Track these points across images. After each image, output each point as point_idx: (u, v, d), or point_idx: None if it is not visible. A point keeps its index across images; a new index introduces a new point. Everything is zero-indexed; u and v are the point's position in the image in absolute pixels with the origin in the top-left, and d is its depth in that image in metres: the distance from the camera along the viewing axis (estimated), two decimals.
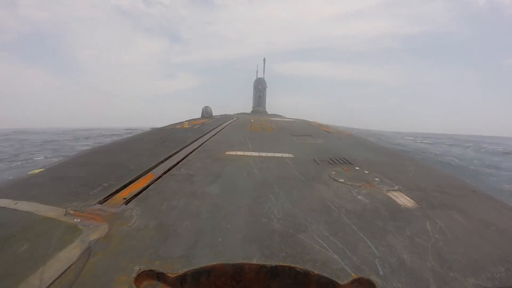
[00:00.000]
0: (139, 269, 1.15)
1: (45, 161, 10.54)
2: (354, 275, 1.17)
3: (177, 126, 6.54)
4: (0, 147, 15.32)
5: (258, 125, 7.25)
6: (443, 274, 1.22)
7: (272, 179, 2.44)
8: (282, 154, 3.54)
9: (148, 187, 2.16)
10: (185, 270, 1.16)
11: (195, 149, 3.73)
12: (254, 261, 1.24)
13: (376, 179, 2.57)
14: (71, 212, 1.66)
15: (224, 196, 2.03)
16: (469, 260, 1.34)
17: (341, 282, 1.13)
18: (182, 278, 1.14)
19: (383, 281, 1.15)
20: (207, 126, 6.69)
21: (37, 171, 2.74)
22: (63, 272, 1.11)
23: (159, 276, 1.15)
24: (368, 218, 1.73)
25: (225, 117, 10.10)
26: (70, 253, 1.24)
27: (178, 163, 2.94)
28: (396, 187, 2.37)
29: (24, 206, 1.73)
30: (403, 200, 2.09)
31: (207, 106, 10.79)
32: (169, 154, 3.27)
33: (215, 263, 1.22)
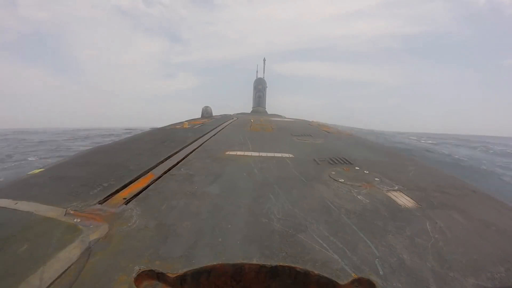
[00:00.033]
0: (139, 269, 1.15)
1: (39, 162, 10.38)
2: (354, 275, 1.17)
3: (177, 126, 6.54)
4: None
5: (258, 125, 7.25)
6: (443, 274, 1.22)
7: (272, 179, 2.44)
8: (282, 154, 3.54)
9: (148, 187, 2.16)
10: (185, 270, 1.16)
11: (195, 149, 3.73)
12: (254, 261, 1.23)
13: (376, 179, 2.57)
14: (71, 212, 1.66)
15: (224, 196, 2.03)
16: (469, 260, 1.34)
17: (341, 282, 1.13)
18: (182, 278, 1.14)
19: (383, 281, 1.15)
20: (207, 126, 6.69)
21: (37, 171, 2.74)
22: (63, 272, 1.11)
23: (159, 276, 1.15)
24: (368, 218, 1.73)
25: (225, 117, 10.11)
26: (70, 253, 1.24)
27: (178, 163, 2.94)
28: (396, 187, 2.37)
29: (24, 206, 1.73)
30: (403, 200, 2.09)
31: (207, 106, 10.80)
32: (169, 154, 3.27)
33: (215, 263, 1.22)
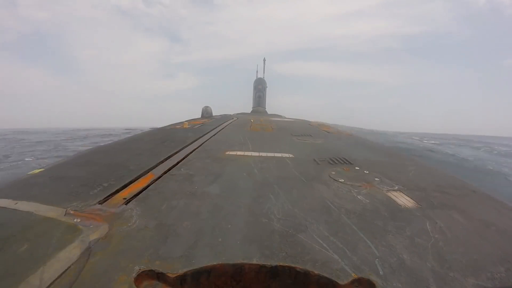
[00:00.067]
0: (139, 269, 1.15)
1: (35, 162, 10.27)
2: (354, 275, 1.17)
3: (177, 126, 6.54)
4: None
5: (258, 125, 7.25)
6: (443, 274, 1.22)
7: (272, 179, 2.44)
8: (282, 154, 3.54)
9: (148, 187, 2.16)
10: (185, 270, 1.16)
11: (195, 149, 3.73)
12: (254, 261, 1.23)
13: (376, 179, 2.57)
14: (71, 212, 1.66)
15: (224, 196, 2.03)
16: (469, 260, 1.34)
17: (341, 282, 1.13)
18: (182, 278, 1.14)
19: (383, 281, 1.15)
20: (207, 126, 6.69)
21: (37, 171, 2.74)
22: (63, 272, 1.11)
23: (159, 276, 1.15)
24: (368, 218, 1.73)
25: (225, 117, 10.10)
26: (70, 253, 1.24)
27: (178, 163, 2.94)
28: (396, 187, 2.37)
29: (24, 206, 1.73)
30: (403, 200, 2.09)
31: (207, 106, 10.79)
32: (169, 154, 3.27)
33: (215, 263, 1.22)
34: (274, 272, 1.21)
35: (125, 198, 1.91)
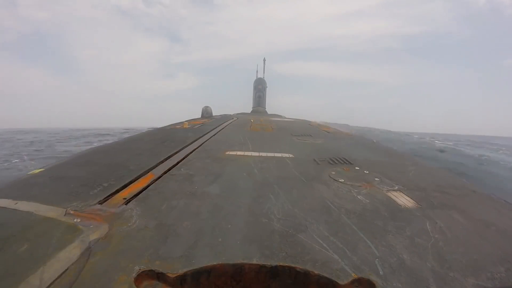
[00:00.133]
0: (139, 269, 1.15)
1: (22, 164, 10.08)
2: (354, 275, 1.17)
3: (177, 126, 6.54)
4: None
5: (258, 125, 7.25)
6: (443, 274, 1.22)
7: (272, 179, 2.44)
8: (282, 154, 3.54)
9: (148, 187, 2.16)
10: (185, 270, 1.16)
11: (195, 149, 3.73)
12: (254, 261, 1.23)
13: (376, 179, 2.57)
14: (71, 212, 1.66)
15: (224, 196, 2.03)
16: (469, 260, 1.34)
17: (341, 282, 1.13)
18: (182, 278, 1.14)
19: (383, 281, 1.15)
20: (207, 126, 6.69)
21: (37, 171, 2.74)
22: (63, 272, 1.11)
23: (159, 276, 1.15)
24: (368, 218, 1.73)
25: (225, 117, 10.11)
26: (70, 253, 1.24)
27: (178, 163, 2.94)
28: (396, 187, 2.37)
29: (24, 206, 1.73)
30: (403, 200, 2.09)
31: (207, 106, 10.80)
32: (169, 154, 3.27)
33: (215, 263, 1.22)
34: (274, 272, 1.21)
35: (125, 198, 1.91)
